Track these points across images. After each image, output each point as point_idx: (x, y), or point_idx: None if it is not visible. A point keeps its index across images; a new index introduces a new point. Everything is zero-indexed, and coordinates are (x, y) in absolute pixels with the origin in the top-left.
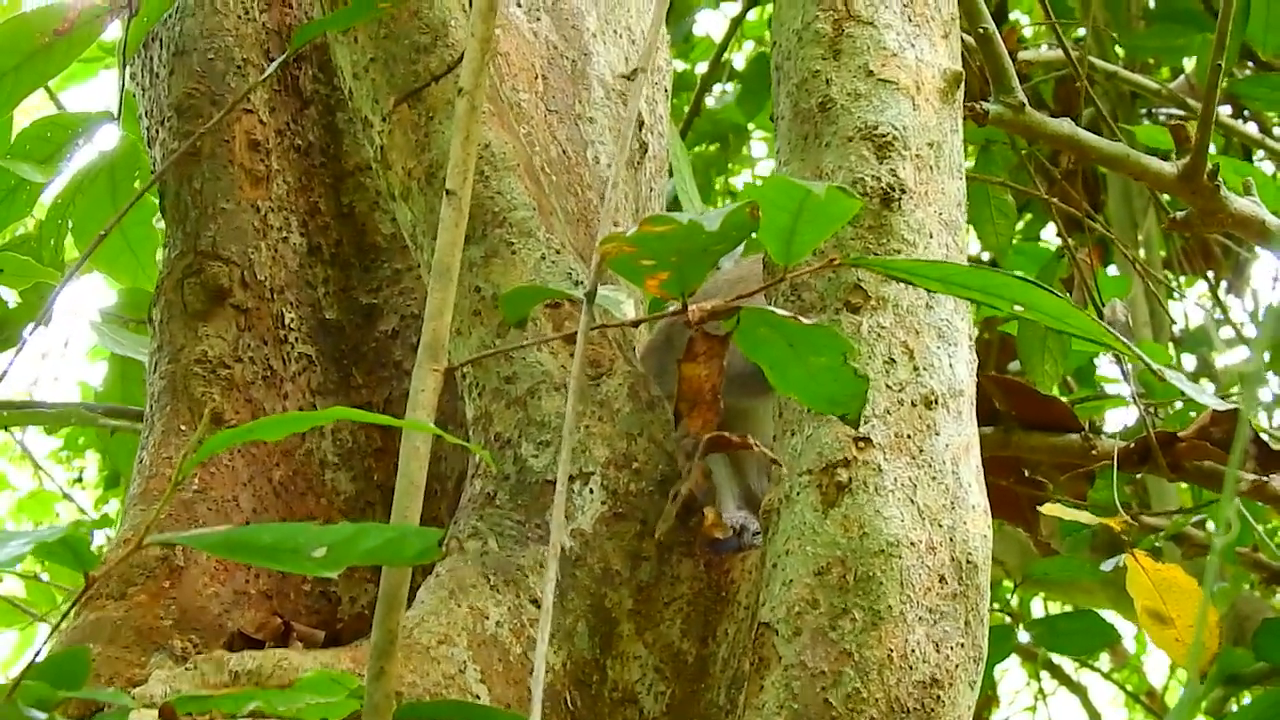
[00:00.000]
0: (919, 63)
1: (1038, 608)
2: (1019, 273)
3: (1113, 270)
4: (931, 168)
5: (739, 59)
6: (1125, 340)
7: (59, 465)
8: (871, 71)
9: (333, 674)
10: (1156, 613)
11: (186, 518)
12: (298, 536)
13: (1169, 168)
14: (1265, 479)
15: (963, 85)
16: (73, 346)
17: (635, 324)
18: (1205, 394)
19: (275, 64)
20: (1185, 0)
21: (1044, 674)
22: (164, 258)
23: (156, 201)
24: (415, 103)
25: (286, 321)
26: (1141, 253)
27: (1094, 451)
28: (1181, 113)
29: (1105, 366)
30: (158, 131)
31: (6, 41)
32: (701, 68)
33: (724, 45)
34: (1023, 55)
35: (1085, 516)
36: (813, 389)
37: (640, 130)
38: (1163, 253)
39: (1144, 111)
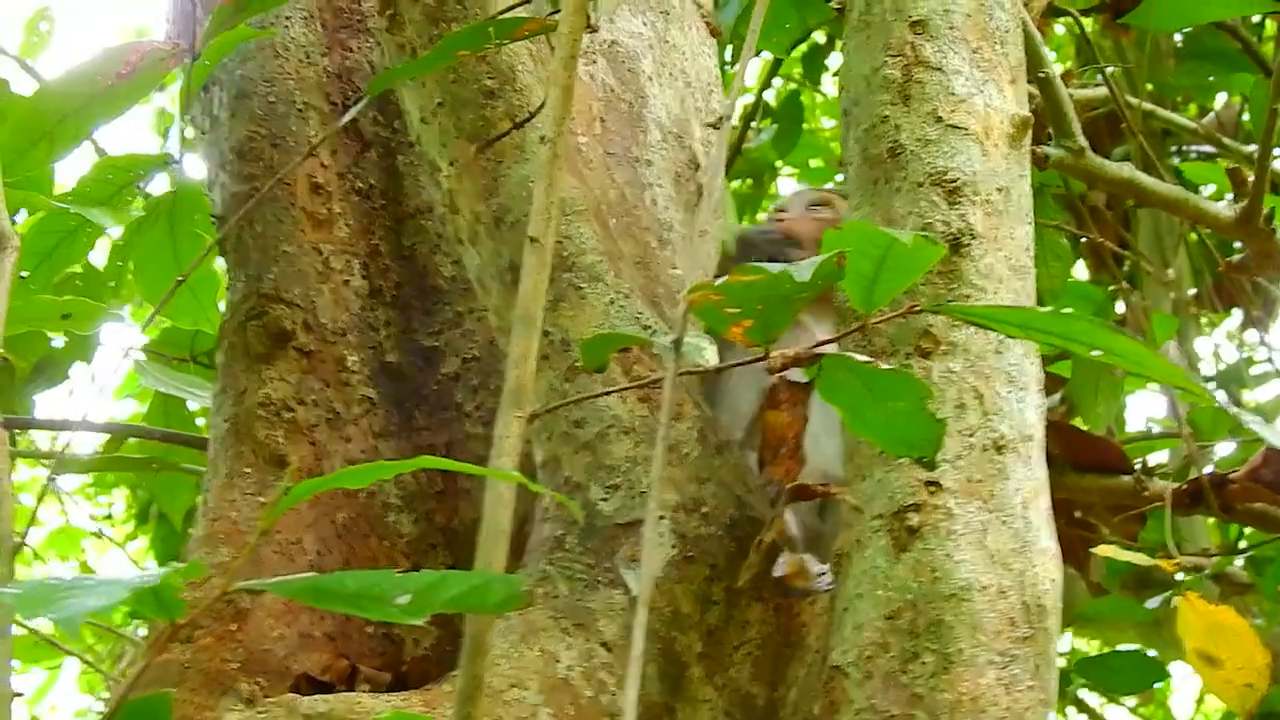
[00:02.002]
0: (987, 108)
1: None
2: (1095, 319)
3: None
4: (1001, 213)
5: (770, 94)
6: (1199, 384)
7: (87, 501)
8: (940, 117)
9: (409, 715)
10: (1207, 654)
11: (252, 560)
12: (381, 584)
13: (1226, 211)
14: None
15: (1030, 128)
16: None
17: (718, 370)
18: (1262, 426)
19: (351, 112)
20: (1215, 39)
21: (1070, 709)
22: (227, 300)
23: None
24: (484, 147)
25: (349, 364)
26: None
27: (1145, 493)
28: (1213, 150)
29: (1138, 407)
30: (218, 174)
31: (70, 86)
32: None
33: (764, 85)
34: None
35: (1138, 558)
36: (890, 433)
37: (696, 172)
38: (1193, 289)
39: (1174, 149)
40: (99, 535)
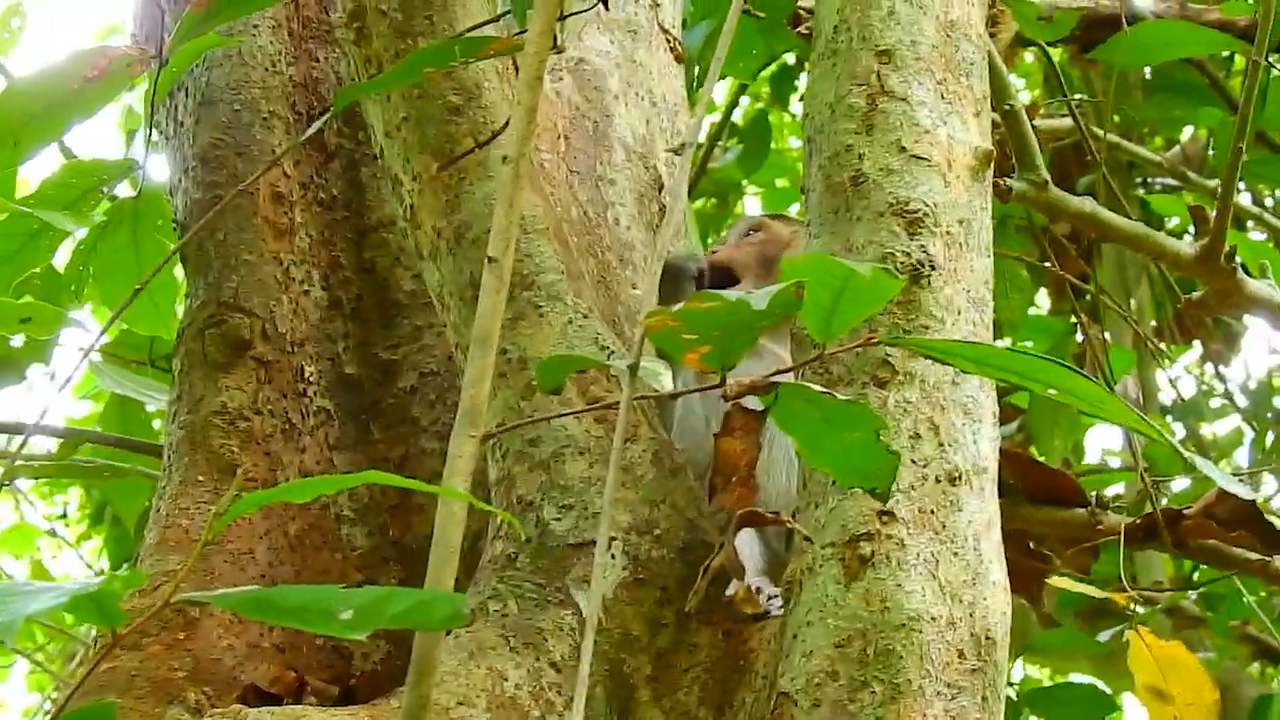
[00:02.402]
0: (951, 140)
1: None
2: (1051, 356)
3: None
4: (961, 245)
5: (738, 112)
6: (1154, 425)
7: (42, 500)
8: (904, 148)
9: None
10: (1157, 689)
11: (203, 569)
12: (326, 598)
13: (1187, 248)
14: (1268, 559)
15: (993, 161)
16: (60, 380)
17: (673, 397)
18: (1231, 480)
19: (314, 125)
20: (1183, 72)
21: None
22: (186, 308)
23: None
24: (446, 165)
25: (306, 375)
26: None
27: (1100, 526)
28: (1177, 184)
29: (1095, 437)
30: (181, 180)
31: (37, 88)
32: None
33: (731, 104)
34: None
35: (1092, 590)
36: (844, 463)
37: (660, 193)
38: (1154, 321)
39: (1140, 181)
40: (53, 534)
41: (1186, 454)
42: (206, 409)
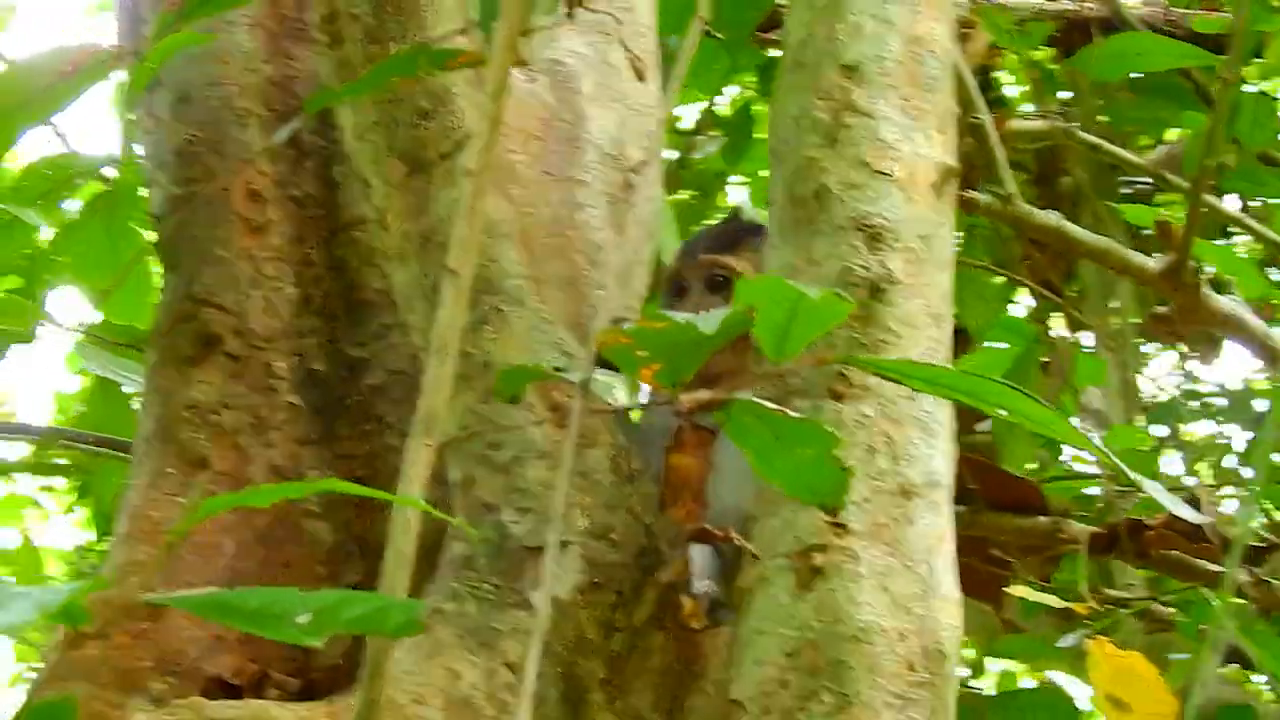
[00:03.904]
0: (914, 156)
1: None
2: (1001, 379)
3: (1087, 338)
4: (922, 260)
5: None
6: (1100, 445)
7: (28, 473)
8: (867, 162)
9: None
10: (1116, 699)
11: (170, 561)
12: (283, 602)
13: (1152, 264)
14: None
15: (957, 178)
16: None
17: (625, 410)
18: (1178, 504)
19: (284, 130)
20: (1168, 75)
21: None
22: (159, 301)
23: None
24: (414, 168)
25: (275, 371)
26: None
27: (1062, 535)
28: (1150, 183)
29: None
30: (156, 175)
31: (12, 81)
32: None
33: (713, 94)
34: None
35: (1052, 600)
36: (796, 479)
37: (632, 195)
38: (1135, 319)
39: (1123, 180)
40: (38, 505)
41: (1133, 474)
42: (176, 403)
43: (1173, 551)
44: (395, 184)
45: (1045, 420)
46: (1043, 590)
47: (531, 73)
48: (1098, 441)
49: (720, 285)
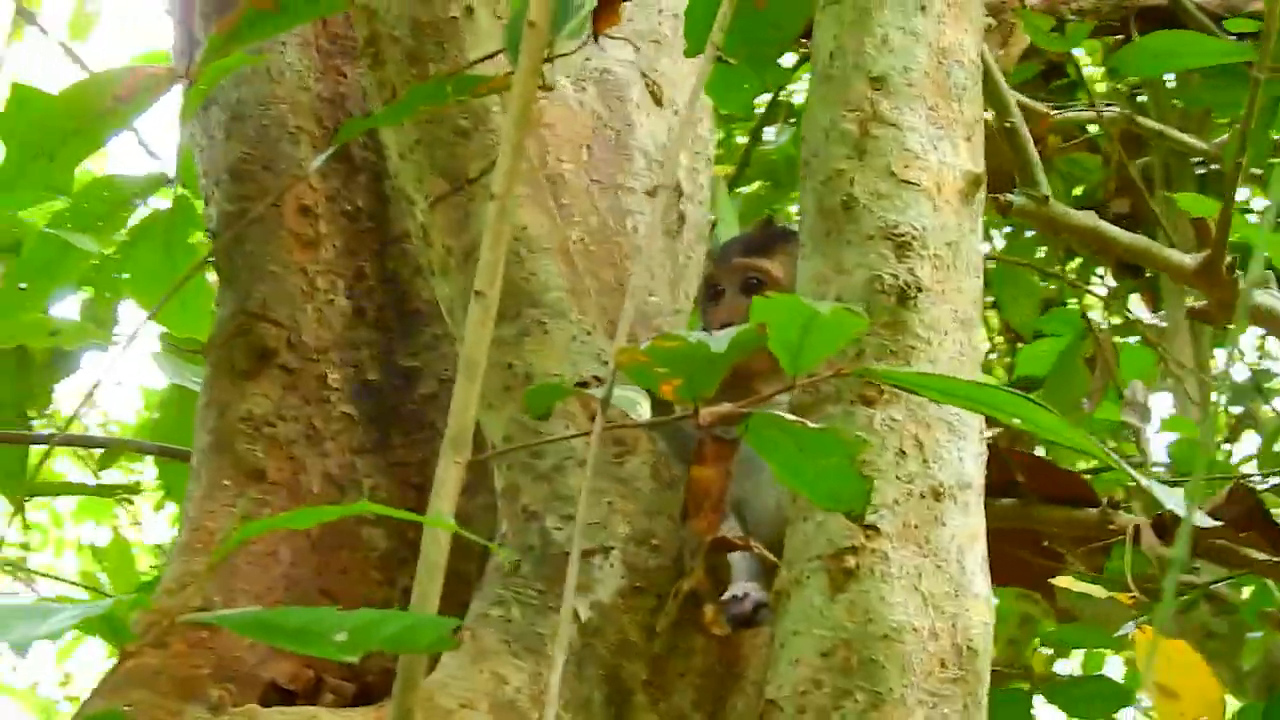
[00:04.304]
0: (941, 165)
1: None
2: (1019, 392)
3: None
4: (949, 267)
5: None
6: (1107, 451)
7: (117, 470)
8: (894, 172)
9: None
10: (1164, 687)
11: (227, 570)
12: (322, 621)
13: (1189, 261)
14: (1277, 559)
15: (983, 185)
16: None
17: (649, 425)
18: (1165, 493)
19: (320, 159)
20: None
21: None
22: (215, 316)
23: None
24: (455, 184)
25: (329, 382)
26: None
27: (1111, 525)
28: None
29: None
30: (212, 191)
31: (69, 106)
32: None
33: (776, 92)
34: (1080, 115)
35: (1097, 590)
36: (820, 487)
37: (680, 200)
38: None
39: (1197, 161)
40: (130, 503)
41: (1140, 477)
42: (232, 415)
43: (1219, 541)
44: (437, 200)
45: (1055, 429)
46: (1094, 580)
47: (581, 82)
48: (1114, 451)
49: (754, 288)
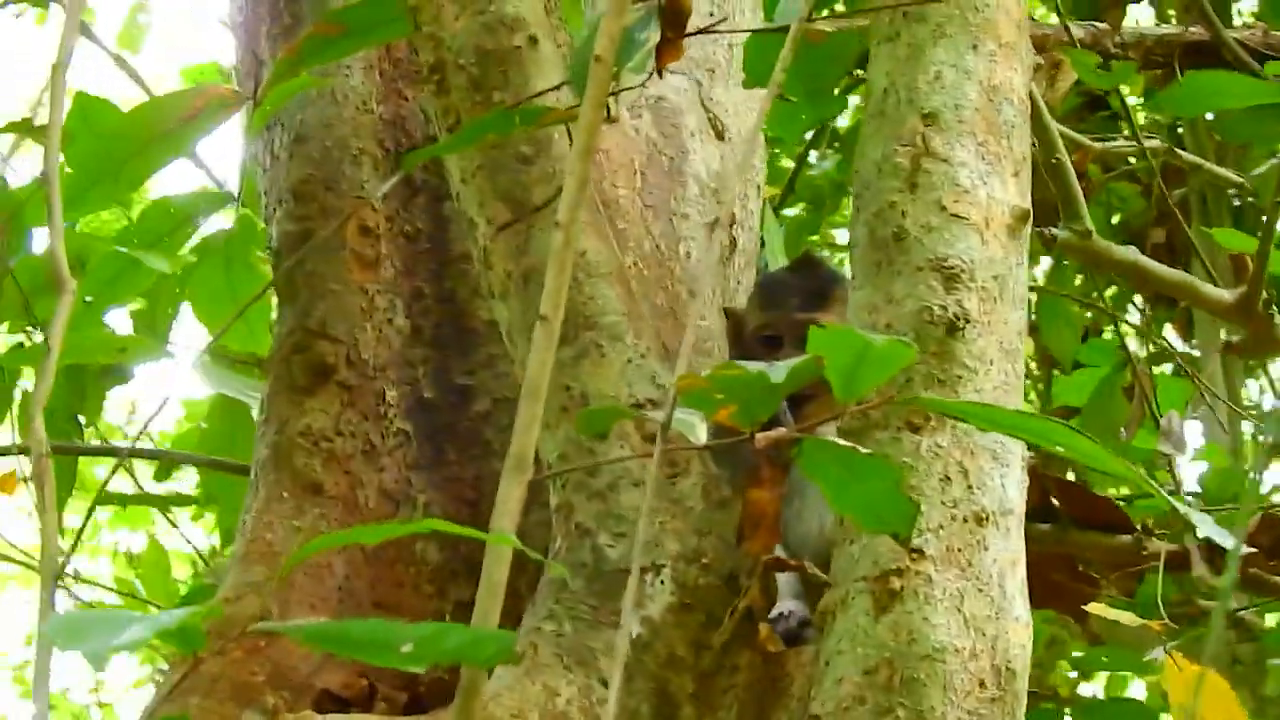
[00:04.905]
0: (989, 199)
1: None
2: (1062, 420)
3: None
4: (996, 299)
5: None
6: (1148, 480)
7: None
8: (944, 206)
9: None
10: (1190, 711)
11: (285, 582)
12: (387, 632)
13: (1227, 296)
14: None
15: (1030, 220)
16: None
17: (707, 449)
18: (1210, 526)
19: (390, 182)
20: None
21: None
22: (275, 333)
23: (269, 271)
24: (517, 210)
25: (387, 399)
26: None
27: (1144, 552)
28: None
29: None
30: (275, 210)
31: (138, 124)
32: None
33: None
34: (1121, 147)
35: (1126, 617)
36: (867, 510)
37: (731, 227)
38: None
39: (1233, 193)
40: (166, 512)
41: (1180, 505)
42: (291, 430)
43: (1250, 569)
44: (498, 224)
45: (1097, 457)
46: (1127, 606)
47: (636, 108)
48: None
49: None
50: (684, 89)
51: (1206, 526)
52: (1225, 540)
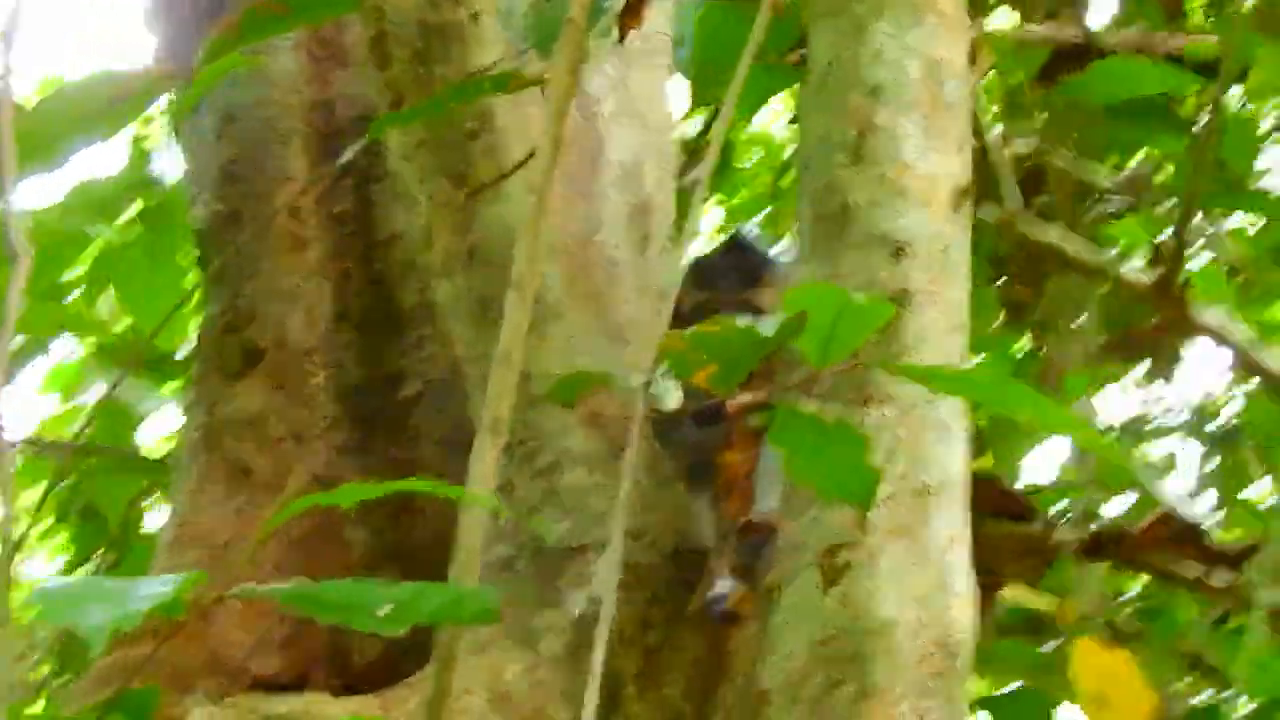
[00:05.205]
0: (933, 174)
1: None
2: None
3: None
4: (941, 273)
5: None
6: (1111, 444)
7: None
8: (890, 180)
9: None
10: (1098, 696)
11: (219, 566)
12: (365, 594)
13: (1145, 279)
14: (1207, 572)
15: (972, 194)
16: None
17: (678, 415)
18: (1184, 503)
19: (346, 155)
20: (1146, 99)
21: None
22: (204, 315)
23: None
24: (460, 185)
25: (315, 382)
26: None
27: (1049, 541)
28: (1120, 207)
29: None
30: (201, 193)
31: (66, 106)
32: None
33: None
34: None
35: (1044, 602)
36: (829, 479)
37: (649, 212)
38: (1101, 337)
39: (1095, 196)
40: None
41: (1140, 476)
42: (221, 413)
43: (1154, 557)
44: (441, 201)
45: (1064, 422)
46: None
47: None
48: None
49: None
50: (601, 73)
51: (1168, 498)
52: (1187, 514)
